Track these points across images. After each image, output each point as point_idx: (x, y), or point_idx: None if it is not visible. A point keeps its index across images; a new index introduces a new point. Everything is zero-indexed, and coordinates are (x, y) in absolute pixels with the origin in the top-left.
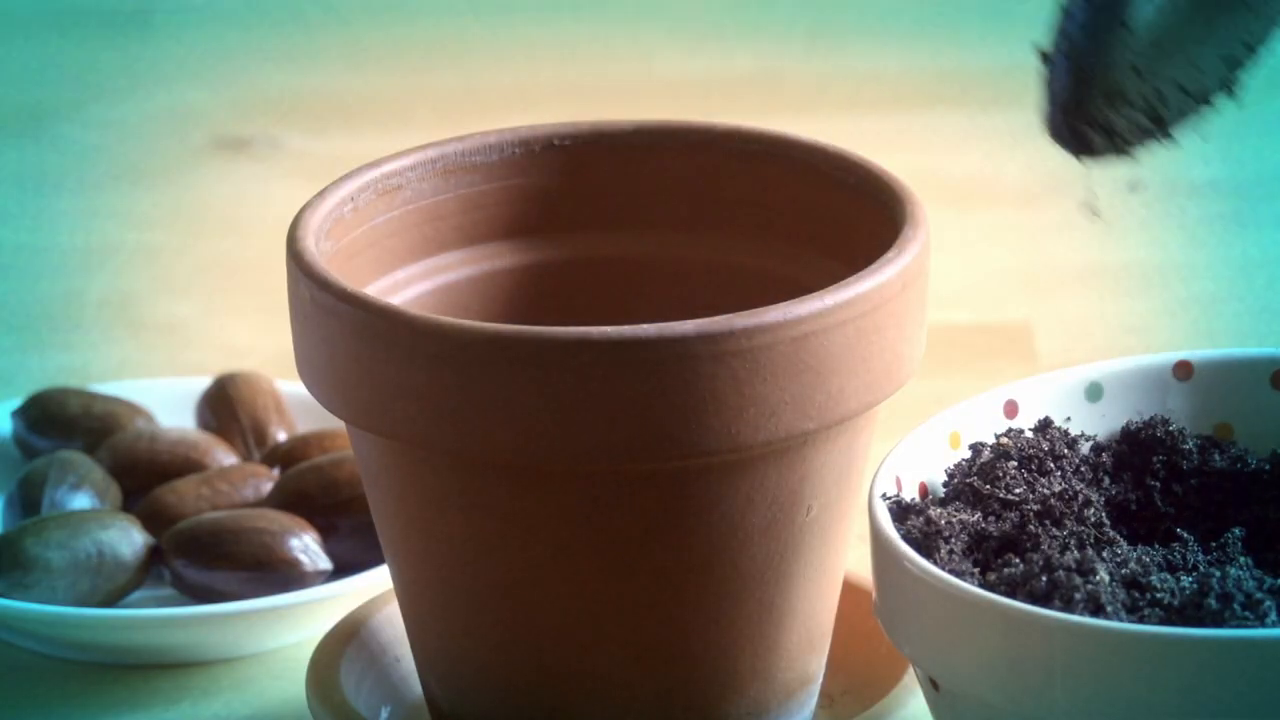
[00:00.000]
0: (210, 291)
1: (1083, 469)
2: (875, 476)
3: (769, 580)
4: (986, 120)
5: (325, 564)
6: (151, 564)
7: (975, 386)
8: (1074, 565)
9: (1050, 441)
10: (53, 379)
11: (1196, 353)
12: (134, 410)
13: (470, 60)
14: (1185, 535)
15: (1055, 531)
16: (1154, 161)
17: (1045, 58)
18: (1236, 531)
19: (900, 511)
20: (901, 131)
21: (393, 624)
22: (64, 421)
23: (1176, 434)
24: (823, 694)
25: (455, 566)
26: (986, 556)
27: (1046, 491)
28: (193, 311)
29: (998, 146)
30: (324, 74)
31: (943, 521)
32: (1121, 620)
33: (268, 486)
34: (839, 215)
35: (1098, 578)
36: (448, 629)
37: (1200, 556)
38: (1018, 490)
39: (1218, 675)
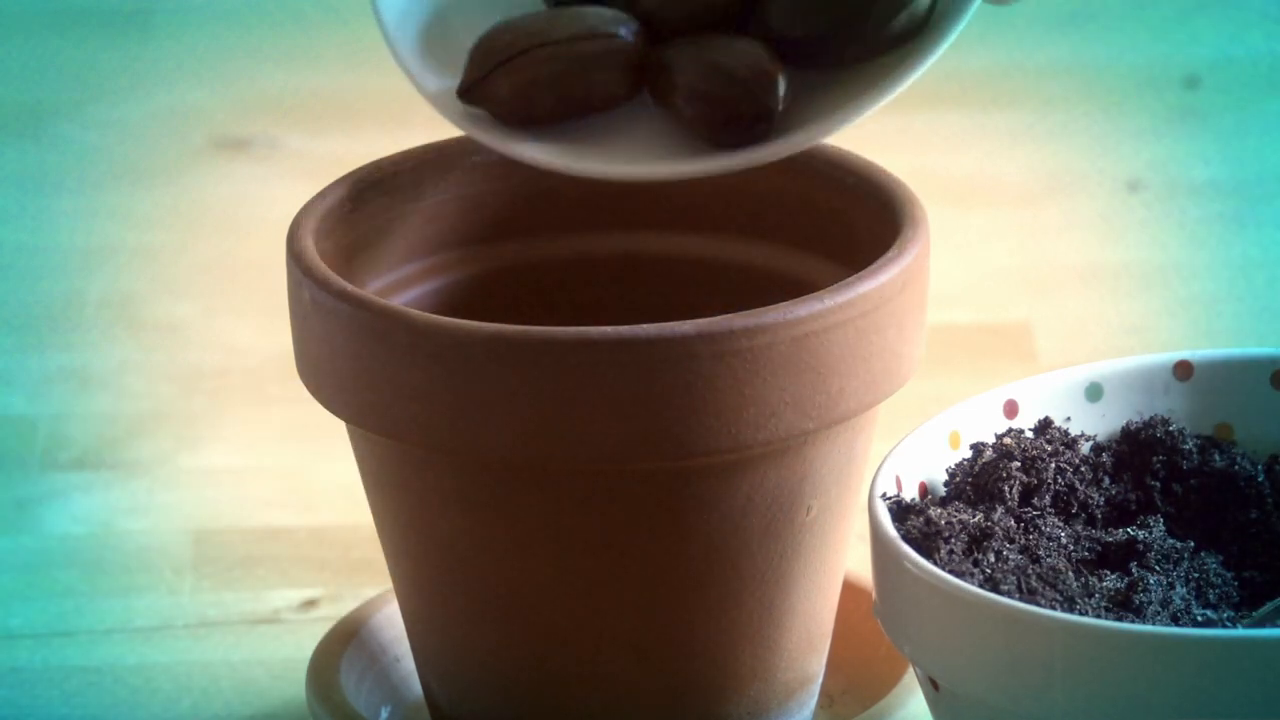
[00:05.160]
0: (210, 291)
1: (1083, 469)
2: (875, 476)
3: (769, 580)
4: (986, 120)
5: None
6: None
7: (975, 386)
8: (1074, 566)
9: (1050, 441)
10: (53, 379)
11: (1196, 353)
12: None
13: None
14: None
15: (1055, 532)
16: (1154, 161)
17: None
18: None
19: (900, 511)
20: (901, 131)
21: (393, 624)
22: None
23: (1176, 434)
24: (823, 694)
25: (455, 566)
26: (986, 556)
27: (1046, 492)
28: (193, 311)
29: (998, 146)
30: (324, 74)
31: (943, 521)
32: (1125, 621)
33: None
34: (839, 215)
35: (1096, 578)
36: (448, 629)
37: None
38: (1018, 490)
39: (1218, 675)
